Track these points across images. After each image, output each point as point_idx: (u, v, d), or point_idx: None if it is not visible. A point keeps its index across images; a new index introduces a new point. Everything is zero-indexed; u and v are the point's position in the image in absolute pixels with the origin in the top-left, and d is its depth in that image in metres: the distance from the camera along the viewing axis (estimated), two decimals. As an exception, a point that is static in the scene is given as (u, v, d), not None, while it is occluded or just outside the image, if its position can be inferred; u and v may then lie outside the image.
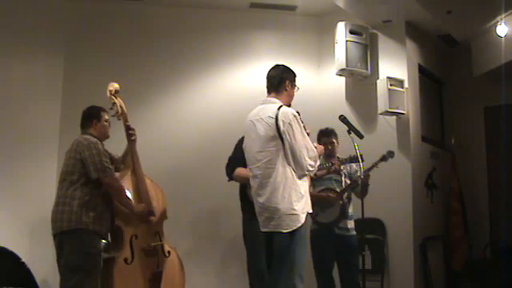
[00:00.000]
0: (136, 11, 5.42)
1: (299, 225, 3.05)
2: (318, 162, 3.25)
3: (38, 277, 4.14)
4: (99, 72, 5.08)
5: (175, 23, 5.50)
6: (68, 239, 3.22)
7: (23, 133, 4.73)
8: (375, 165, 4.05)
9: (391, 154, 4.13)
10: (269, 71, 3.39)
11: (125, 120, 3.71)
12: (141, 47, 5.34)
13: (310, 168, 3.13)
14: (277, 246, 3.13)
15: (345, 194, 4.06)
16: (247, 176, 3.38)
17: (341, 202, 4.01)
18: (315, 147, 3.27)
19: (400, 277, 5.02)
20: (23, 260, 4.00)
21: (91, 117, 3.52)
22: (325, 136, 4.19)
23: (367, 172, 3.99)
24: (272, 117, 3.12)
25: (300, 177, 3.13)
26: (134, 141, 3.76)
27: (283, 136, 3.08)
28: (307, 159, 3.10)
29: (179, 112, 5.39)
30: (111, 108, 3.69)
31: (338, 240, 4.02)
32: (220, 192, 4.60)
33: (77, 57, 5.18)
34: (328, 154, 4.15)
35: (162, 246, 3.71)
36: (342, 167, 4.09)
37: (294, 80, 3.37)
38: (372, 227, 4.37)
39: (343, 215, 4.02)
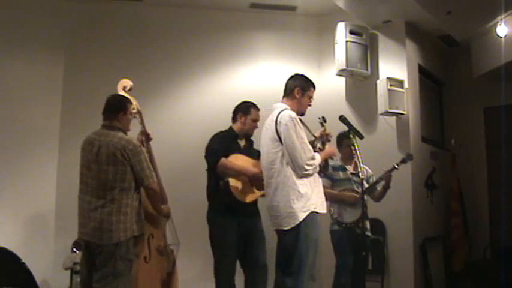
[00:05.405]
0: (136, 11, 5.42)
1: (297, 223, 3.16)
2: (318, 162, 3.31)
3: (38, 277, 4.15)
4: (99, 72, 5.09)
5: (175, 23, 5.50)
6: (119, 248, 3.09)
7: (23, 133, 4.74)
8: (394, 167, 4.18)
9: (410, 157, 4.35)
10: (288, 78, 3.51)
11: (141, 119, 3.67)
12: (141, 47, 5.34)
13: (307, 168, 3.21)
14: (282, 244, 3.30)
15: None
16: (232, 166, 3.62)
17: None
18: (321, 149, 3.45)
19: (400, 277, 5.02)
20: (23, 260, 4.00)
21: (118, 109, 3.28)
22: (347, 138, 4.22)
23: (388, 173, 4.16)
24: (274, 121, 3.29)
25: (300, 177, 3.21)
26: (150, 140, 3.69)
27: (281, 137, 3.22)
28: (304, 159, 3.19)
29: (179, 112, 5.38)
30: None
31: (358, 240, 4.07)
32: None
33: (77, 57, 5.19)
34: (349, 156, 4.29)
35: (168, 246, 3.73)
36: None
37: (307, 90, 3.45)
38: (372, 228, 4.40)
39: (365, 215, 4.04)
